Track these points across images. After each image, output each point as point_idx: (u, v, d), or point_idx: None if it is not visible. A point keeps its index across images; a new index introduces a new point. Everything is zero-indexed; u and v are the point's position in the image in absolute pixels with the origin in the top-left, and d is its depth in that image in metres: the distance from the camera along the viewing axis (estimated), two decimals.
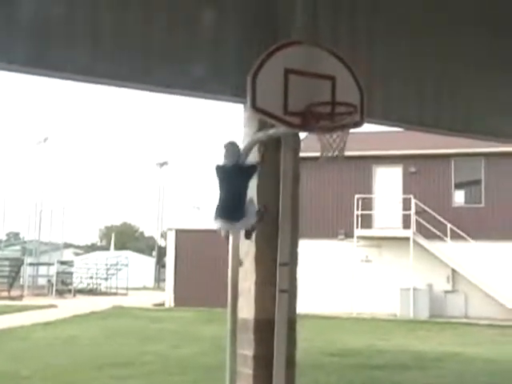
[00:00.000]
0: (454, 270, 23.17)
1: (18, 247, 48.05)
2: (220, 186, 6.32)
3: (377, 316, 21.67)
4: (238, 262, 6.92)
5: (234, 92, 6.40)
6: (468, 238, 22.56)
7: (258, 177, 6.77)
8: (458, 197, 24.33)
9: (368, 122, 6.73)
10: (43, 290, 34.90)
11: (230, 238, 6.77)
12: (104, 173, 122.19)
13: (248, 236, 6.77)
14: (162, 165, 60.95)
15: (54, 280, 34.15)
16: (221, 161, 6.28)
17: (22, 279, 35.44)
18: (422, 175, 23.97)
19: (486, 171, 23.67)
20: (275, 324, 6.97)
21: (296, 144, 7.28)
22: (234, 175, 6.26)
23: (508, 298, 22.03)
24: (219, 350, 7.37)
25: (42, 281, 37.43)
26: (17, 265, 34.94)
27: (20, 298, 29.57)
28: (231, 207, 6.24)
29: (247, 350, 6.93)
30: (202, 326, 16.53)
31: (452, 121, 7.75)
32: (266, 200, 6.87)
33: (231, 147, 6.23)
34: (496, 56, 7.87)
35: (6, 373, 8.97)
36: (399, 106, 7.31)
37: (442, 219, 23.02)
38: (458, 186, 24.23)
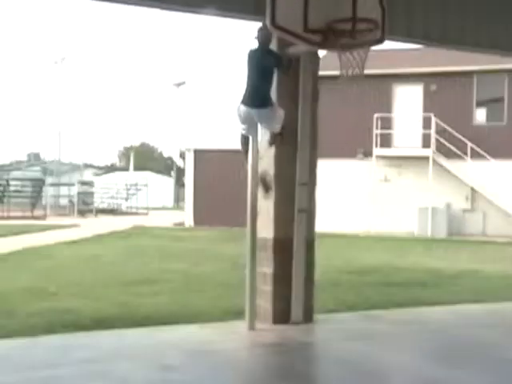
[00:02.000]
0: (473, 189, 23.13)
1: (38, 168, 48.61)
2: (249, 73, 6.36)
3: (395, 234, 21.85)
4: (257, 182, 6.96)
5: (253, 10, 6.27)
6: (488, 157, 22.39)
7: (276, 99, 6.72)
8: (480, 115, 23.98)
9: (390, 40, 6.59)
10: (65, 209, 35.53)
11: (249, 152, 6.79)
12: (122, 93, 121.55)
13: (272, 142, 6.79)
14: (179, 85, 60.38)
15: (75, 200, 34.67)
16: (253, 47, 6.30)
17: (44, 199, 35.99)
18: (443, 93, 23.57)
19: (510, 88, 23.20)
20: (294, 243, 7.08)
21: (315, 63, 7.17)
22: (263, 60, 6.29)
23: None
24: (239, 268, 7.52)
25: (63, 201, 38.07)
26: (38, 185, 35.43)
27: (43, 217, 30.16)
28: (256, 93, 6.30)
29: (266, 268, 7.07)
30: (221, 245, 16.80)
31: (476, 37, 7.55)
32: (285, 119, 6.84)
33: (263, 31, 6.20)
34: None
35: (34, 289, 9.24)
36: (422, 22, 7.12)
37: (462, 138, 22.79)
38: (480, 104, 23.83)
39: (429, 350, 6.24)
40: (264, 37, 6.25)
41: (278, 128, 6.63)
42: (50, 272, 11.31)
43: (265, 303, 7.07)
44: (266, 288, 7.09)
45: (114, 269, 11.92)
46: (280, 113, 6.57)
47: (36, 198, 34.01)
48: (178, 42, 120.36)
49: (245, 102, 6.38)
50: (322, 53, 7.92)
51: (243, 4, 6.36)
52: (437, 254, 16.20)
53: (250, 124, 6.60)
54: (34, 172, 47.10)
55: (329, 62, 8.93)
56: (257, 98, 6.32)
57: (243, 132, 6.73)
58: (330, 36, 5.61)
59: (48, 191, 36.94)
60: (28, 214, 30.98)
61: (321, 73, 7.40)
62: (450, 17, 7.29)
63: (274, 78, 6.48)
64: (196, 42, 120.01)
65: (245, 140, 6.82)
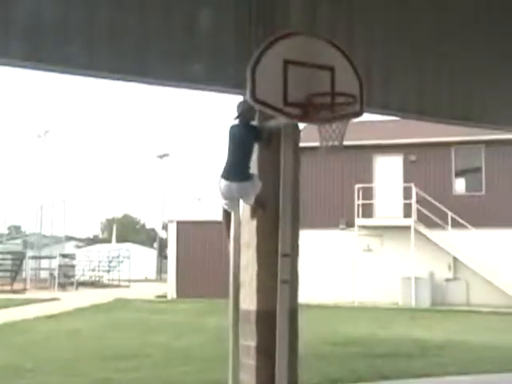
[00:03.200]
0: (455, 258, 23.21)
1: (19, 241, 48.10)
2: (229, 147, 6.45)
3: (378, 305, 21.72)
4: (239, 253, 6.94)
5: (233, 84, 6.41)
6: (469, 226, 22.58)
7: (257, 171, 6.81)
8: (459, 185, 24.33)
9: (368, 112, 6.73)
10: (45, 283, 34.97)
11: (232, 222, 6.80)
12: (104, 165, 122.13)
13: (254, 214, 6.83)
14: (162, 156, 60.89)
15: (56, 273, 34.20)
16: (233, 122, 6.41)
17: (24, 273, 35.48)
18: (423, 164, 23.96)
19: (487, 159, 23.66)
20: (277, 315, 6.99)
21: (296, 135, 7.27)
22: (243, 133, 6.40)
23: (509, 285, 22.06)
24: (222, 341, 7.41)
25: (44, 274, 37.51)
26: (19, 258, 34.99)
27: (23, 291, 29.63)
28: (237, 167, 6.38)
29: (250, 341, 6.96)
30: (204, 318, 16.58)
31: (451, 109, 7.75)
32: (266, 192, 6.89)
33: (244, 105, 6.31)
34: (496, 43, 7.85)
35: (10, 365, 9.02)
36: (398, 95, 7.31)
37: (442, 207, 23.03)
38: (459, 174, 24.22)
39: None
40: (245, 111, 6.38)
41: (253, 200, 6.69)
42: (27, 348, 11.05)
43: (248, 377, 6.92)
44: (249, 362, 6.95)
45: (94, 344, 11.68)
46: (258, 184, 6.66)
47: (16, 271, 33.52)
48: (161, 114, 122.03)
49: (225, 176, 6.46)
50: (302, 124, 8.07)
51: (225, 78, 6.50)
52: (421, 324, 16.09)
53: (231, 198, 6.65)
54: (16, 245, 46.60)
55: (309, 134, 9.08)
56: (237, 171, 6.41)
57: (225, 207, 6.77)
58: (310, 109, 5.72)
59: (28, 264, 36.46)
60: (7, 287, 30.45)
61: (302, 144, 7.50)
62: (426, 90, 7.49)
63: (253, 152, 6.60)
64: (179, 114, 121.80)
65: (226, 214, 6.86)
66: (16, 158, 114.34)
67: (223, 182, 6.45)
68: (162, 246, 50.18)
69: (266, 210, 6.86)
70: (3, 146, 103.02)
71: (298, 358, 7.19)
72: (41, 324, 15.19)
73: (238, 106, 6.40)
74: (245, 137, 6.41)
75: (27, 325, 14.93)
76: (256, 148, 6.65)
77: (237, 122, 6.44)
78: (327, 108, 5.81)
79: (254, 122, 6.60)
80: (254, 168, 6.76)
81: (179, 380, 7.94)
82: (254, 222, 7.01)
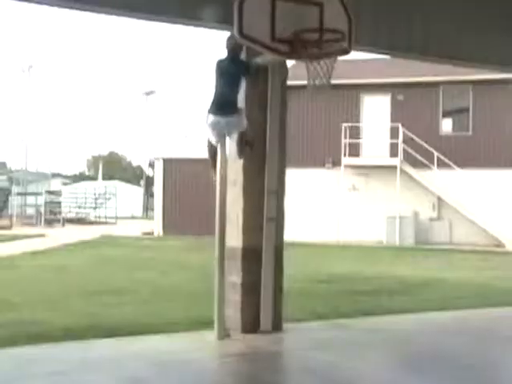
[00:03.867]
0: (439, 198, 23.43)
1: (4, 177, 47.91)
2: (216, 82, 6.44)
3: (363, 243, 22.00)
4: (225, 190, 6.96)
5: (220, 19, 6.29)
6: (454, 167, 22.71)
7: (245, 109, 6.76)
8: (446, 125, 24.33)
9: (356, 50, 6.66)
10: (32, 219, 35.03)
11: (217, 162, 6.78)
12: (91, 102, 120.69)
13: (241, 154, 6.82)
14: (148, 94, 60.20)
15: (42, 209, 34.22)
16: (221, 56, 6.38)
17: (10, 209, 35.47)
18: (410, 103, 23.87)
19: (474, 99, 23.60)
20: (263, 252, 7.08)
21: (283, 72, 7.21)
22: (230, 68, 6.40)
23: (491, 224, 22.38)
24: (208, 278, 7.50)
25: (30, 210, 37.55)
26: (4, 194, 34.93)
27: (9, 227, 29.69)
28: (224, 101, 6.39)
29: (235, 277, 7.06)
30: (190, 254, 16.74)
31: (440, 47, 7.66)
32: (253, 129, 6.86)
33: (231, 40, 6.31)
34: None
35: None
36: (387, 32, 7.21)
37: (429, 147, 23.08)
38: (446, 114, 24.19)
39: (393, 359, 6.30)
40: (232, 46, 6.32)
41: (242, 129, 6.66)
42: (14, 283, 11.13)
43: (234, 312, 7.06)
44: (234, 297, 7.08)
45: (81, 279, 11.79)
46: (244, 120, 6.64)
47: (1, 207, 33.52)
48: (148, 50, 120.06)
49: (213, 111, 6.43)
50: (290, 62, 7.97)
51: (212, 13, 6.37)
52: (404, 262, 16.36)
53: (218, 133, 6.63)
54: (1, 182, 46.43)
55: (297, 72, 8.98)
56: (225, 106, 6.39)
57: (213, 142, 6.74)
58: (298, 46, 5.65)
59: (14, 201, 36.42)
60: None
61: (289, 82, 7.44)
62: (415, 27, 7.39)
63: (241, 86, 6.55)
64: (165, 50, 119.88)
65: (212, 149, 6.83)
66: (0, 94, 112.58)
67: (211, 117, 6.43)
68: (149, 183, 50.18)
69: (253, 149, 6.85)
70: None
71: (282, 294, 7.32)
72: (27, 260, 15.28)
73: (227, 40, 6.34)
74: (233, 71, 6.36)
75: (14, 260, 15.00)
76: (243, 85, 6.60)
77: (225, 55, 6.39)
78: (315, 44, 5.74)
79: (242, 57, 6.53)
80: (240, 104, 6.72)
81: (166, 315, 8.05)
82: (241, 160, 7.01)
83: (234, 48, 6.36)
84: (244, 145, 6.75)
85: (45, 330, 7.10)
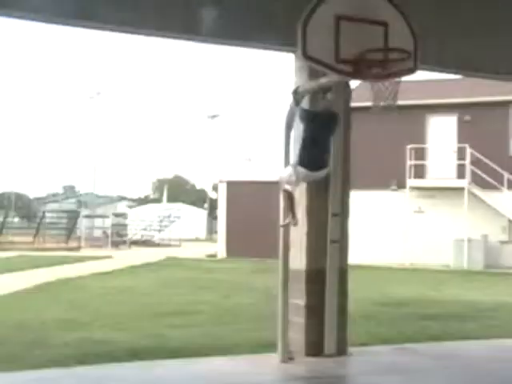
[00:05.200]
0: (510, 220, 22.72)
1: (73, 200, 49.28)
2: (306, 133, 6.29)
3: (430, 267, 21.52)
4: (289, 214, 6.92)
5: (284, 41, 6.31)
6: None
7: None
8: None
9: (421, 69, 6.55)
10: (99, 241, 35.80)
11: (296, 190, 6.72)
12: (156, 126, 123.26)
13: None
14: (213, 117, 61.00)
15: (109, 232, 34.94)
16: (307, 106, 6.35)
17: (78, 231, 36.38)
18: (478, 124, 23.34)
19: None
20: (326, 274, 7.00)
21: (347, 93, 7.18)
22: (321, 122, 6.30)
23: None
24: (272, 300, 7.46)
25: (97, 232, 38.38)
26: (73, 217, 35.87)
27: (77, 249, 30.43)
28: (318, 158, 6.27)
29: (299, 300, 7.00)
30: (254, 277, 16.73)
31: (511, 65, 7.47)
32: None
33: (326, 102, 6.34)
34: None
35: (67, 320, 9.30)
36: (454, 51, 7.08)
37: (498, 168, 22.48)
38: None
39: None
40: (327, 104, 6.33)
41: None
42: (82, 303, 11.37)
43: (297, 335, 6.99)
44: (298, 320, 7.01)
45: (147, 300, 11.93)
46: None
47: (71, 229, 34.40)
48: (212, 73, 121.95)
49: (306, 165, 6.22)
50: (354, 84, 7.94)
51: (275, 36, 6.40)
52: (474, 286, 15.90)
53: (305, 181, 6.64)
54: (70, 204, 47.74)
55: (362, 93, 8.92)
56: (320, 162, 6.27)
57: (289, 188, 6.66)
58: (362, 66, 5.60)
59: (83, 223, 37.36)
60: (63, 245, 31.32)
61: (354, 104, 7.40)
62: (484, 45, 7.22)
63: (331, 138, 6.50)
64: (229, 73, 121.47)
65: (289, 195, 6.71)
66: (70, 119, 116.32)
67: (302, 171, 6.26)
68: (212, 206, 50.65)
69: None
70: (58, 106, 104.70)
71: (347, 317, 7.21)
72: (95, 280, 15.59)
73: (324, 98, 6.34)
74: (329, 129, 6.34)
75: (82, 281, 15.33)
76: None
77: (313, 111, 6.36)
78: (380, 65, 5.67)
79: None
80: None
81: (229, 337, 8.05)
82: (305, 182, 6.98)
83: (327, 107, 6.32)
84: None
85: (111, 349, 7.21)
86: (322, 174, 6.40)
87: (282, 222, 6.87)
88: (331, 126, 6.40)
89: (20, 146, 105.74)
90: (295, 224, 6.72)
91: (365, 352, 7.42)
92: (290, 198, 6.62)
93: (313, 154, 6.23)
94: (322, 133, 6.28)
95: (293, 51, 6.16)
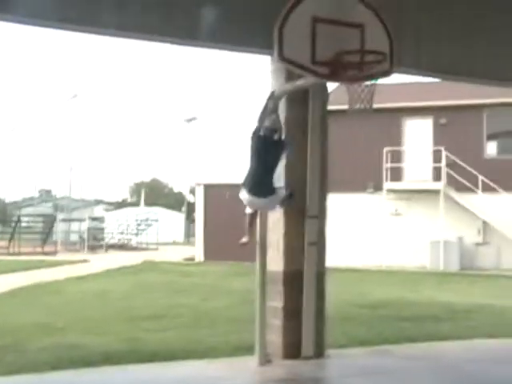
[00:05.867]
0: (485, 223, 22.95)
1: (50, 204, 48.80)
2: (252, 157, 6.31)
3: (406, 268, 21.64)
4: (266, 216, 6.92)
5: (260, 43, 6.29)
6: (500, 190, 22.26)
7: (285, 132, 6.74)
8: (491, 148, 23.92)
9: (397, 72, 6.59)
10: (75, 245, 35.48)
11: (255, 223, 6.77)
12: (133, 129, 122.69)
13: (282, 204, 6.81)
14: (190, 120, 60.87)
15: (85, 236, 34.65)
16: (257, 130, 6.33)
17: (54, 235, 36.02)
18: (453, 127, 23.55)
19: None
20: (304, 276, 7.00)
21: (324, 95, 7.20)
22: (271, 150, 6.31)
23: None
24: (249, 303, 7.44)
25: (74, 237, 38.03)
26: (50, 221, 35.48)
27: (53, 253, 30.11)
28: (260, 182, 6.27)
29: (277, 302, 6.99)
30: (231, 280, 16.70)
31: (486, 69, 7.53)
32: (294, 154, 6.83)
33: (274, 122, 6.33)
34: None
35: (42, 324, 9.18)
36: (431, 53, 7.11)
37: (473, 171, 22.70)
38: (491, 137, 23.79)
39: None
40: (273, 127, 6.28)
41: (277, 205, 6.68)
42: (58, 307, 11.24)
43: (275, 338, 6.97)
44: (276, 322, 7.00)
45: (123, 304, 11.83)
46: (281, 193, 6.55)
47: (47, 233, 34.02)
48: (188, 77, 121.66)
49: (248, 189, 6.29)
50: (331, 87, 7.95)
51: (251, 37, 6.38)
52: (450, 287, 16.01)
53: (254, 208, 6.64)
54: (46, 208, 47.28)
55: (338, 97, 8.96)
56: (261, 187, 6.27)
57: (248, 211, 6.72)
58: (338, 68, 5.61)
59: (59, 227, 36.99)
60: (39, 249, 30.98)
61: (330, 107, 7.41)
62: (459, 48, 7.27)
63: (278, 165, 6.49)
64: (206, 76, 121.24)
65: (251, 216, 6.79)
66: (45, 122, 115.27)
67: (246, 196, 6.30)
68: (190, 209, 50.50)
69: (294, 201, 6.78)
70: (34, 108, 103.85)
71: (324, 319, 7.21)
72: (71, 285, 15.44)
73: (270, 121, 6.27)
74: (273, 152, 6.31)
75: (58, 285, 15.17)
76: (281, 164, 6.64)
77: (260, 132, 6.30)
78: (356, 67, 5.69)
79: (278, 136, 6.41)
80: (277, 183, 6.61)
81: (207, 340, 8.01)
82: (281, 184, 6.97)
83: (275, 129, 6.28)
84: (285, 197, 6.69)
85: (86, 354, 7.12)
86: (265, 201, 6.36)
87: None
88: (279, 153, 6.39)
89: None
90: (246, 244, 6.86)
91: (343, 354, 7.42)
92: (249, 217, 6.69)
93: (253, 179, 6.26)
94: (268, 160, 6.29)
95: (270, 54, 6.14)
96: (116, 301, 12.46)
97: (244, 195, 6.32)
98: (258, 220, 6.86)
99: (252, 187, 6.26)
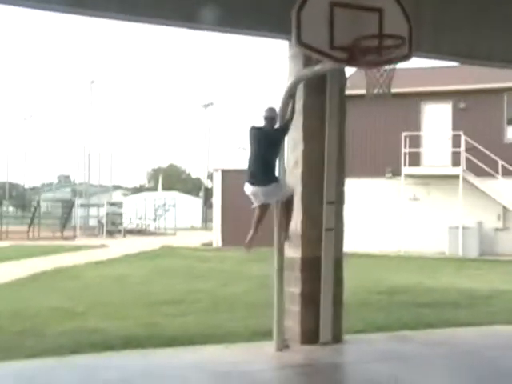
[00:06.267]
0: (505, 208, 22.75)
1: (68, 189, 49.10)
2: (253, 149, 6.54)
3: (425, 254, 21.55)
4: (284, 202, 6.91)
5: (278, 28, 6.26)
6: None
7: (303, 118, 6.75)
8: (511, 133, 23.64)
9: (416, 56, 6.53)
10: (94, 230, 35.74)
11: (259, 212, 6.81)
12: (150, 115, 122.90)
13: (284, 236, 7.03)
14: (207, 106, 60.87)
15: (104, 221, 34.88)
16: (258, 123, 6.51)
17: (73, 220, 36.29)
18: (473, 111, 23.31)
19: None
20: (322, 262, 6.99)
21: (342, 81, 7.14)
22: (271, 136, 6.51)
23: None
24: (267, 288, 7.45)
25: (92, 222, 38.30)
26: (68, 206, 35.75)
27: (72, 238, 30.38)
28: (261, 171, 6.47)
29: (294, 288, 6.99)
30: (249, 265, 16.72)
31: (506, 53, 7.43)
32: (311, 139, 6.81)
33: (270, 112, 6.53)
34: None
35: (62, 309, 9.28)
36: (450, 38, 7.03)
37: (493, 156, 22.48)
38: (511, 122, 23.51)
39: (457, 373, 6.09)
40: (271, 115, 6.53)
41: (277, 199, 6.76)
42: (78, 292, 11.35)
43: (293, 323, 6.99)
44: (293, 308, 7.01)
45: (142, 289, 11.92)
46: (287, 189, 6.70)
47: (66, 218, 34.29)
48: (206, 62, 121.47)
49: (250, 181, 6.52)
50: (349, 71, 7.89)
51: (269, 23, 6.35)
52: (469, 273, 15.92)
53: (259, 200, 6.68)
54: (64, 193, 47.57)
55: (356, 81, 8.89)
56: (263, 176, 6.46)
57: (256, 205, 6.76)
58: (357, 53, 5.57)
59: (78, 212, 37.26)
60: (58, 234, 31.25)
61: (348, 92, 7.36)
62: (478, 32, 7.19)
63: (280, 153, 6.67)
64: (223, 62, 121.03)
65: (260, 208, 6.81)
66: (64, 108, 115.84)
67: (249, 188, 6.45)
68: (208, 194, 50.60)
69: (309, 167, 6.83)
70: (52, 94, 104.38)
71: (342, 305, 7.21)
72: (90, 269, 15.56)
73: (266, 111, 6.54)
74: (273, 137, 6.50)
75: (77, 270, 15.30)
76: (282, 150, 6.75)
77: (261, 125, 6.54)
78: (374, 51, 5.64)
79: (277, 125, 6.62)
80: (299, 116, 6.70)
81: (225, 326, 8.05)
82: (299, 170, 6.97)
83: (273, 117, 6.50)
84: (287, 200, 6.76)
85: (106, 338, 7.19)
86: (268, 190, 6.49)
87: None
88: (278, 141, 6.57)
89: (14, 135, 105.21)
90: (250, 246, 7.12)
91: (360, 340, 7.42)
92: (258, 212, 6.80)
93: (255, 169, 6.47)
94: (267, 150, 6.46)
95: (288, 39, 6.11)
96: (135, 285, 12.55)
97: (247, 188, 6.45)
98: (265, 214, 6.87)
99: (253, 177, 6.39)
